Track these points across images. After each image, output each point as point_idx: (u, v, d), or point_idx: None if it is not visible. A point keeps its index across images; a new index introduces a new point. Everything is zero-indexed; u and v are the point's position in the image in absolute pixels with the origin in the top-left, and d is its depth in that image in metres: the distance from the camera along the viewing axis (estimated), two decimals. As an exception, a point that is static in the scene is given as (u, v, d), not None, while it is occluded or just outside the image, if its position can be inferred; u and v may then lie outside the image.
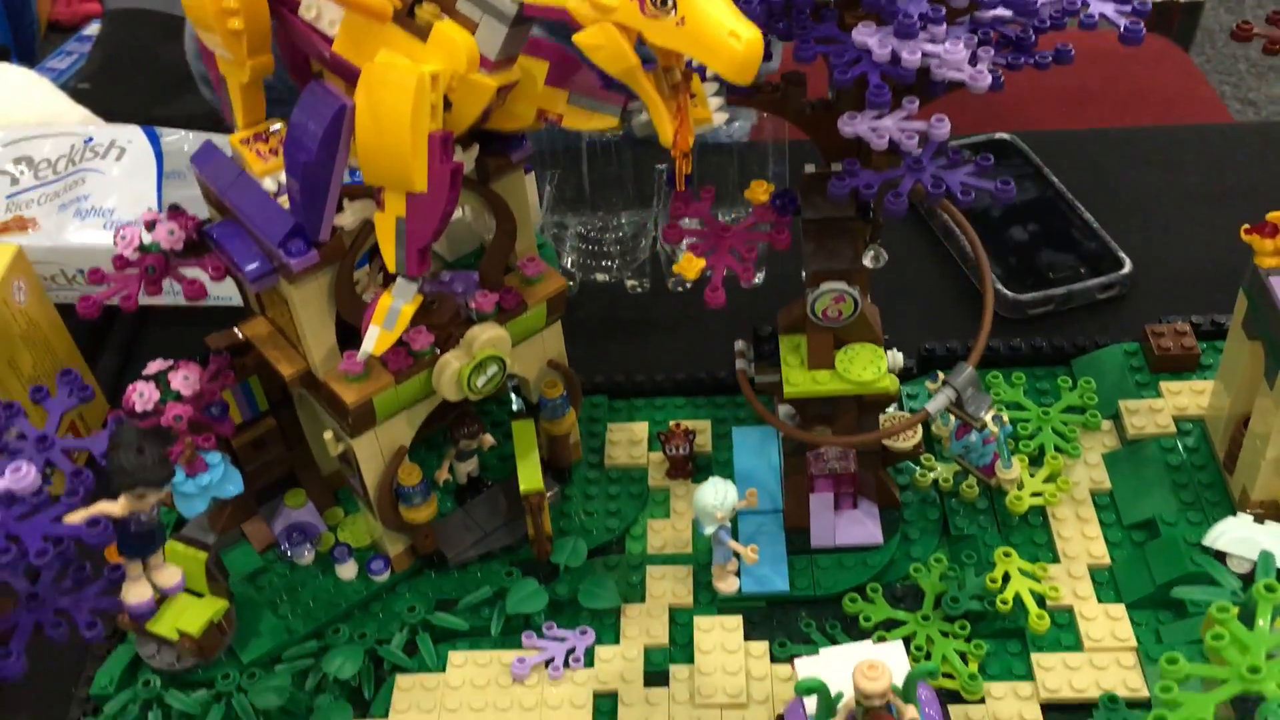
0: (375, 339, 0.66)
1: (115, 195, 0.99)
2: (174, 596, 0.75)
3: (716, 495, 0.74)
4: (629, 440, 0.89)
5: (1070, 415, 0.86)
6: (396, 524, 0.77)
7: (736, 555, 0.77)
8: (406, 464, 0.75)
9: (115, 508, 0.54)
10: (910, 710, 0.64)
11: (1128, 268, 0.97)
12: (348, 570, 0.80)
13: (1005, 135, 1.12)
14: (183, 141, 1.03)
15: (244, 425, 0.77)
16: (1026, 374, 0.89)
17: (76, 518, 0.51)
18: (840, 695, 0.65)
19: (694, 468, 0.86)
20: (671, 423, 0.87)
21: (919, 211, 1.08)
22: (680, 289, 1.02)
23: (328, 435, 0.74)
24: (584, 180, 1.04)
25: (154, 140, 1.02)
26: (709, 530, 0.75)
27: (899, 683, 0.65)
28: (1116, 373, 0.88)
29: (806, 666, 0.69)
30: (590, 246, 1.03)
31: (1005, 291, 0.96)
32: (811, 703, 0.67)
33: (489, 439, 0.83)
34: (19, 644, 0.52)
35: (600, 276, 1.03)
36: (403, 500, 0.76)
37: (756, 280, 1.02)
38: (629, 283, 1.02)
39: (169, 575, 0.61)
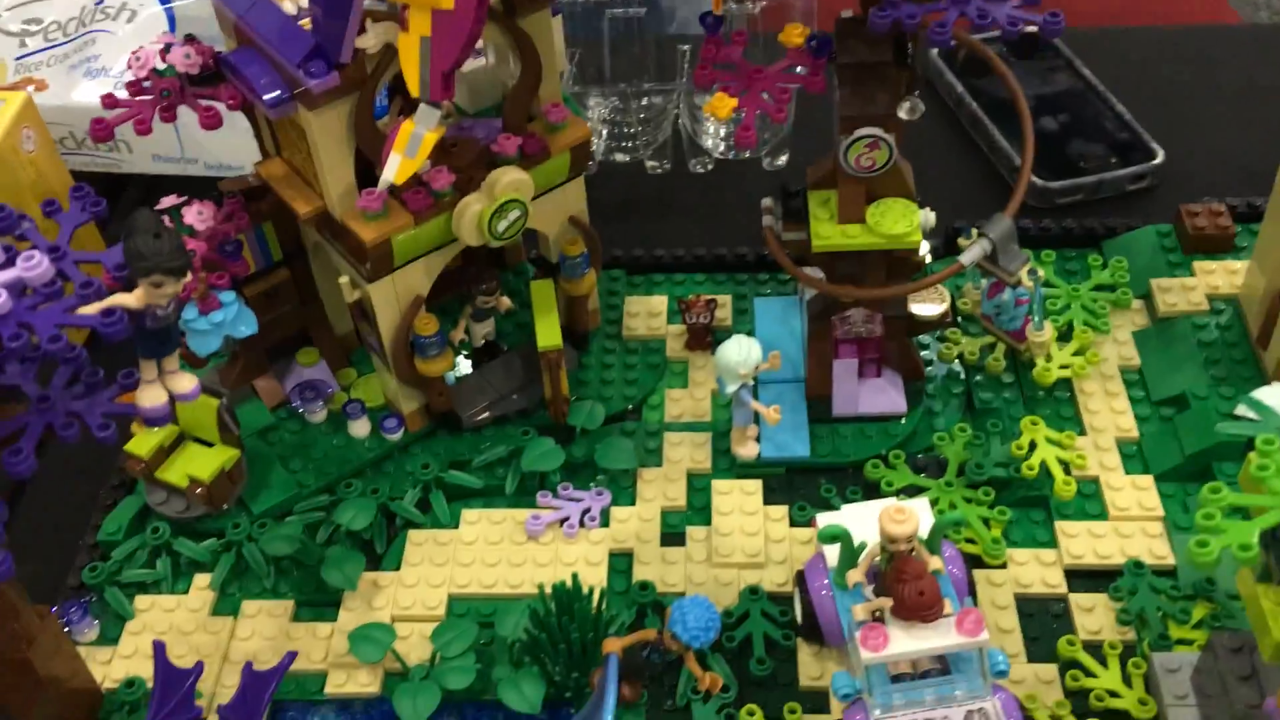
0: (397, 166, 0.64)
1: (125, 56, 0.96)
2: (185, 444, 0.74)
3: (740, 351, 0.72)
4: (648, 312, 0.87)
5: (1100, 293, 0.84)
6: (411, 377, 0.75)
7: (757, 419, 0.76)
8: (423, 314, 0.73)
9: (131, 299, 0.52)
10: (935, 560, 0.63)
11: (1160, 158, 0.95)
12: (360, 428, 0.78)
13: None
14: (194, 7, 1.00)
15: (258, 275, 0.76)
16: (1057, 254, 0.87)
17: (91, 309, 0.49)
18: (863, 545, 0.64)
19: (713, 340, 0.85)
20: (692, 294, 0.85)
21: (947, 103, 1.05)
22: (701, 169, 1.00)
23: (344, 280, 0.72)
24: (605, 60, 1.02)
25: (165, 1, 1.00)
26: (731, 389, 0.73)
27: (924, 535, 0.63)
28: (1149, 253, 0.86)
29: (827, 521, 0.68)
30: (611, 127, 1.01)
31: (1035, 180, 0.94)
32: (833, 555, 0.65)
33: (506, 301, 0.81)
34: (29, 443, 0.50)
35: (620, 157, 1.00)
36: (418, 352, 0.74)
37: (780, 162, 1.00)
38: (649, 163, 1.00)
39: (184, 381, 0.60)
